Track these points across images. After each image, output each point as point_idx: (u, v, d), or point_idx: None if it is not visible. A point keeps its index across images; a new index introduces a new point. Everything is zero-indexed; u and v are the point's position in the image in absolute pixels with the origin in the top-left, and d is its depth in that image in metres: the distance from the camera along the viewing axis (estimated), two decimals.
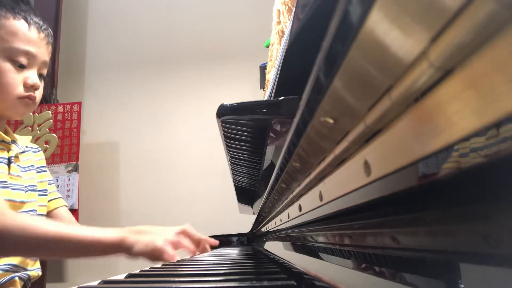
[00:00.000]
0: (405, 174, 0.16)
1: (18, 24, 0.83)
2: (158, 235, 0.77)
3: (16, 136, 0.94)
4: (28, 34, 0.84)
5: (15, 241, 0.67)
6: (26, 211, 0.85)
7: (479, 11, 0.09)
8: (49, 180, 0.99)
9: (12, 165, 0.86)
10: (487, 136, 0.11)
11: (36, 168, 0.95)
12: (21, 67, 0.83)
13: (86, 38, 2.49)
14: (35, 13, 0.87)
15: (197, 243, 0.86)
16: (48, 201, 0.97)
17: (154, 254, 0.73)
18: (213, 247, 1.22)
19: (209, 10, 2.43)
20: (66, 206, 1.02)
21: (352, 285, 0.29)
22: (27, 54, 0.83)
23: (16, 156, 0.89)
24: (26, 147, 0.95)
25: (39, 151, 1.01)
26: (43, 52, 0.87)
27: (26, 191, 0.87)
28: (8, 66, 0.81)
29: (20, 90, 0.83)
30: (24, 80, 0.83)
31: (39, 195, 0.92)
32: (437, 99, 0.12)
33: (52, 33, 0.91)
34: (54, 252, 0.73)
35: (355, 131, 0.19)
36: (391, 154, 0.16)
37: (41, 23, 0.87)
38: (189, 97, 2.35)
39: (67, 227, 0.72)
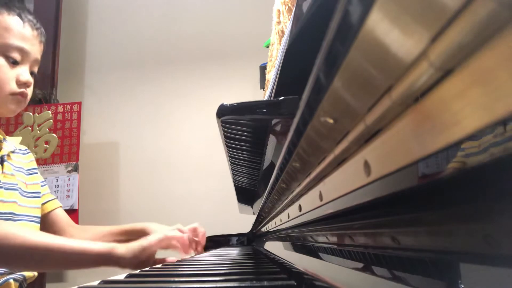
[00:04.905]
0: (405, 174, 0.16)
1: (13, 21, 0.83)
2: (148, 239, 0.77)
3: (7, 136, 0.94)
4: (23, 31, 0.83)
5: None
6: (18, 215, 0.83)
7: (479, 11, 0.09)
8: (41, 182, 0.97)
9: (5, 163, 0.85)
10: (488, 135, 0.11)
11: (26, 170, 0.93)
12: (14, 63, 0.82)
13: (86, 38, 2.49)
14: (28, 11, 0.87)
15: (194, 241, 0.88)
16: (44, 203, 0.95)
17: (150, 256, 0.74)
18: (213, 247, 1.22)
19: (209, 10, 2.43)
20: (61, 206, 1.01)
21: (352, 285, 0.29)
22: (21, 50, 0.83)
23: (8, 155, 0.87)
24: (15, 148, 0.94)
25: (28, 153, 0.99)
26: (36, 50, 0.87)
27: (19, 192, 0.86)
28: (1, 62, 0.81)
29: (13, 87, 0.82)
30: (17, 76, 0.83)
31: (31, 197, 0.90)
32: (437, 99, 0.12)
33: (44, 32, 0.91)
34: (41, 263, 0.71)
35: (355, 131, 0.19)
36: (391, 154, 0.16)
37: (34, 21, 0.87)
38: (189, 97, 2.35)
39: (54, 238, 0.70)
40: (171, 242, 0.79)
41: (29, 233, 0.68)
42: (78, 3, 2.52)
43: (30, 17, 0.86)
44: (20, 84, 0.83)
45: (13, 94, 0.83)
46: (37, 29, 0.87)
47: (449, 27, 0.10)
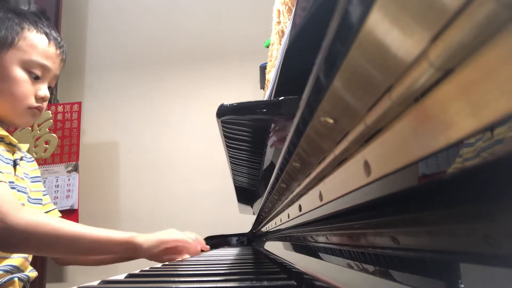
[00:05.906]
0: (405, 174, 0.16)
1: (40, 38, 0.88)
2: (166, 234, 0.83)
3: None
4: (47, 49, 0.88)
5: (30, 237, 0.70)
6: None
7: (479, 11, 0.09)
8: (43, 191, 1.00)
9: (17, 167, 0.89)
10: (488, 136, 0.11)
11: (31, 178, 0.96)
12: (36, 78, 0.87)
13: (86, 38, 2.49)
14: (54, 28, 0.93)
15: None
16: (46, 212, 0.99)
17: (163, 251, 0.79)
18: (212, 247, 1.22)
19: (209, 10, 2.43)
20: (60, 216, 1.03)
21: (352, 285, 0.29)
22: (43, 67, 0.87)
23: (20, 160, 0.91)
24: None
25: (32, 161, 1.02)
26: (56, 67, 0.92)
27: (27, 197, 0.89)
28: (24, 77, 0.85)
29: (31, 101, 0.87)
30: (36, 91, 0.87)
31: (34, 204, 0.93)
32: (437, 99, 0.12)
33: (66, 50, 0.96)
34: (67, 250, 0.77)
35: (355, 131, 0.19)
36: (391, 154, 0.16)
37: (59, 39, 0.93)
38: (189, 97, 2.35)
39: (81, 227, 0.77)
40: (185, 246, 0.84)
41: (60, 223, 0.75)
42: (78, 3, 2.52)
43: (55, 35, 0.92)
44: (38, 98, 0.88)
45: (31, 107, 0.87)
46: (60, 47, 0.92)
47: (449, 27, 0.10)
